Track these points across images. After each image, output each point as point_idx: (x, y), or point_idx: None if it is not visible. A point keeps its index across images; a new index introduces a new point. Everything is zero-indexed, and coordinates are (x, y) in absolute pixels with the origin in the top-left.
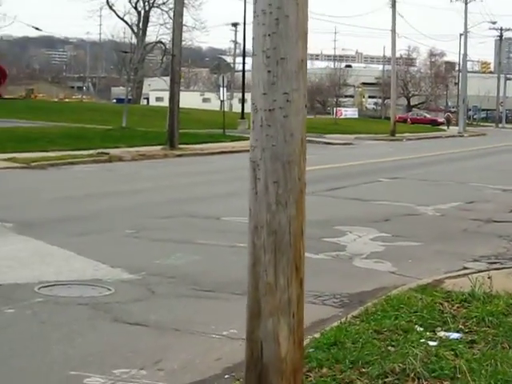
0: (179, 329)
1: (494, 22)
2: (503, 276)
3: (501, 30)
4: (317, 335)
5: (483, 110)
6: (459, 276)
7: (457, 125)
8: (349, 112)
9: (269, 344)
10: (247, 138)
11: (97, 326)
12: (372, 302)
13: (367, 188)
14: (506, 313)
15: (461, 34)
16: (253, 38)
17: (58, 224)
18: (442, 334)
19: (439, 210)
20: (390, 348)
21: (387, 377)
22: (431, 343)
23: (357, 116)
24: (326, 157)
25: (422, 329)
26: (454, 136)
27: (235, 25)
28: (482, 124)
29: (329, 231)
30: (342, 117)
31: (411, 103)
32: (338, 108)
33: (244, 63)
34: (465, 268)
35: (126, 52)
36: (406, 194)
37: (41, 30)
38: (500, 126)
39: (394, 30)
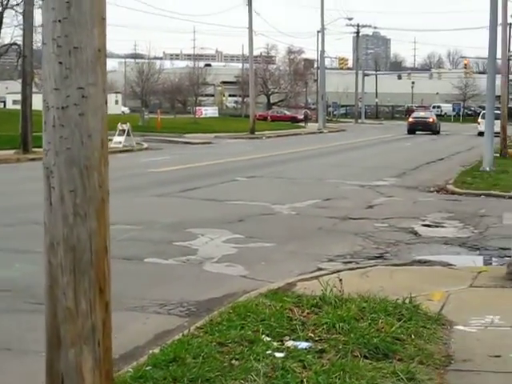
0: (11, 348)
1: (351, 19)
2: (357, 276)
3: (357, 26)
4: (156, 350)
5: (343, 106)
6: (312, 278)
7: (317, 121)
8: (209, 111)
9: (71, 378)
10: None
11: None
12: (218, 310)
13: (223, 188)
14: (358, 317)
15: (318, 31)
16: (42, 25)
17: None
18: (290, 343)
19: (295, 208)
20: (233, 362)
21: None
22: (278, 354)
23: (217, 115)
24: (184, 156)
25: (269, 339)
26: (313, 132)
27: None
28: (341, 120)
29: (180, 234)
30: (202, 116)
31: (271, 101)
32: (198, 107)
33: None
34: (319, 269)
35: None
36: (262, 192)
37: None
38: (359, 121)
39: (250, 28)
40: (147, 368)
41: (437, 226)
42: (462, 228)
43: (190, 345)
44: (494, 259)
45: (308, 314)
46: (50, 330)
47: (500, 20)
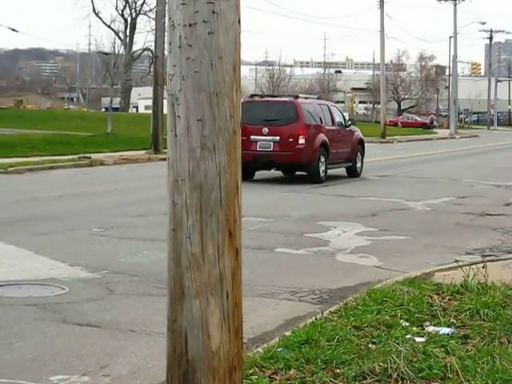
0: (135, 330)
1: (484, 23)
2: (499, 268)
3: (491, 31)
4: (288, 333)
5: (474, 112)
6: (451, 269)
7: (448, 127)
8: None
9: (195, 334)
10: None
11: (42, 328)
12: (353, 296)
13: (354, 185)
14: (504, 304)
15: (450, 37)
16: None
17: (19, 224)
18: (430, 328)
19: (430, 205)
20: (370, 345)
21: (366, 378)
22: (418, 339)
23: None
24: None
25: (407, 324)
26: (445, 138)
27: None
28: (473, 127)
29: (311, 227)
30: None
31: (402, 107)
32: None
33: None
34: (457, 261)
35: (107, 54)
36: (394, 190)
37: (17, 31)
38: (491, 128)
39: (382, 31)
40: (278, 349)
41: None
42: None
43: (323, 328)
44: None
45: (449, 300)
46: (173, 279)
47: None
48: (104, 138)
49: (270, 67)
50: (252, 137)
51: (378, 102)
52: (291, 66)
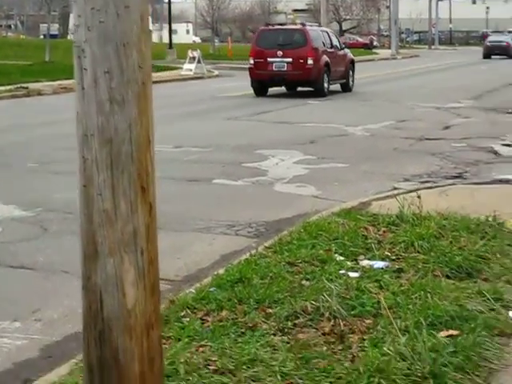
0: (68, 271)
1: None
2: (436, 195)
3: None
4: (221, 271)
5: (416, 32)
6: (388, 197)
7: (389, 48)
8: None
9: (110, 293)
10: (174, 68)
11: None
12: (288, 230)
13: (295, 111)
14: (438, 235)
15: None
16: None
17: None
18: (365, 262)
19: (369, 130)
20: (304, 282)
21: (298, 317)
22: (352, 274)
23: None
24: None
25: (342, 258)
26: (387, 59)
27: None
28: (415, 46)
29: (250, 156)
30: None
31: (343, 28)
32: None
33: None
34: (395, 188)
35: None
36: (335, 115)
37: None
38: (433, 47)
39: None
40: (211, 289)
41: None
42: None
43: (257, 265)
44: None
45: (384, 232)
46: (86, 238)
47: None
48: (42, 67)
49: None
50: (269, 59)
51: (320, 24)
52: None
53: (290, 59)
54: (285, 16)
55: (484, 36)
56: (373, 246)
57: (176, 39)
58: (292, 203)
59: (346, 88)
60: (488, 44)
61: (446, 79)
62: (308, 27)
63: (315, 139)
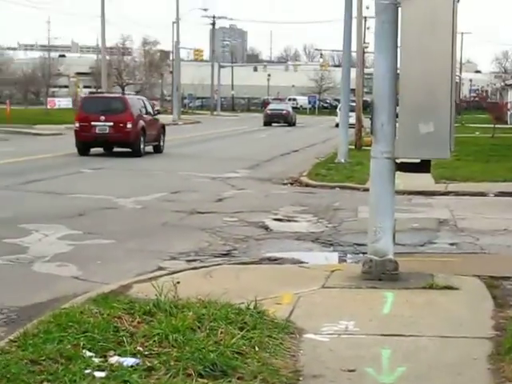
0: None
1: (206, 9)
2: (200, 277)
3: (213, 17)
4: None
5: (198, 98)
6: (150, 279)
7: (172, 113)
8: (63, 102)
9: None
10: None
11: None
12: (38, 319)
13: (67, 180)
14: (195, 327)
15: (173, 22)
16: None
17: None
18: (114, 359)
19: (141, 202)
20: None
21: None
22: (98, 374)
23: (71, 106)
24: (29, 148)
25: (91, 354)
26: (168, 124)
27: None
28: (197, 112)
29: (13, 231)
30: (55, 107)
31: (126, 92)
32: (51, 98)
33: None
34: (160, 268)
35: None
36: (107, 185)
37: None
38: (215, 113)
39: (103, 16)
40: None
41: (289, 221)
42: (316, 222)
43: None
44: (348, 256)
45: (139, 323)
46: None
47: (355, 13)
48: None
49: None
50: (92, 123)
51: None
52: (15, 49)
53: (111, 123)
54: (67, 79)
55: (265, 103)
56: (125, 339)
57: None
58: (50, 285)
59: (159, 149)
60: (268, 112)
61: (225, 147)
62: (127, 96)
63: (84, 212)
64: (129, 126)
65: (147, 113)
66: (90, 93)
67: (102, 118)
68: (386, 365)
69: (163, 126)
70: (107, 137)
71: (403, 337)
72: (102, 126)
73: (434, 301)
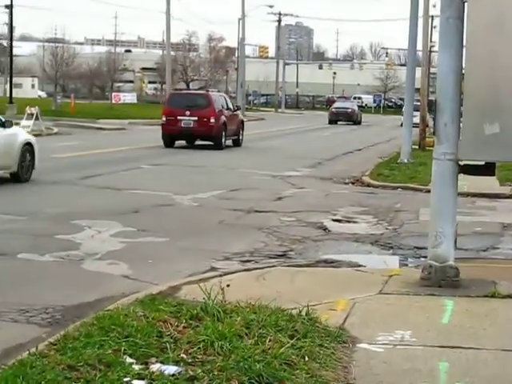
0: None
1: (272, 6)
2: (253, 279)
3: (279, 14)
4: None
5: (263, 95)
6: (201, 280)
7: None
8: (128, 97)
9: None
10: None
11: None
12: (80, 321)
13: (125, 176)
14: (243, 334)
15: (239, 19)
16: None
17: None
18: (156, 366)
19: (198, 199)
20: None
21: None
22: (137, 383)
23: (136, 101)
24: (92, 142)
25: (131, 360)
26: None
27: (9, 7)
28: (261, 109)
29: (66, 226)
30: (120, 102)
31: (191, 88)
32: (116, 93)
33: (12, 46)
34: (212, 269)
35: None
36: (166, 181)
37: None
38: (280, 110)
39: (168, 13)
40: None
41: (348, 221)
42: (376, 224)
43: (33, 368)
44: (408, 260)
45: (184, 327)
46: None
47: (421, 11)
48: None
49: (60, 44)
50: (178, 117)
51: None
52: (82, 44)
53: (195, 118)
54: (133, 74)
55: (330, 101)
56: (168, 345)
57: (21, 93)
58: (99, 284)
59: (238, 143)
60: (333, 110)
61: (288, 145)
62: (211, 92)
63: (140, 208)
64: (212, 120)
65: (228, 108)
66: (174, 89)
67: (187, 112)
68: (443, 380)
69: (242, 122)
70: (192, 130)
71: (462, 349)
72: (187, 120)
73: (496, 310)
